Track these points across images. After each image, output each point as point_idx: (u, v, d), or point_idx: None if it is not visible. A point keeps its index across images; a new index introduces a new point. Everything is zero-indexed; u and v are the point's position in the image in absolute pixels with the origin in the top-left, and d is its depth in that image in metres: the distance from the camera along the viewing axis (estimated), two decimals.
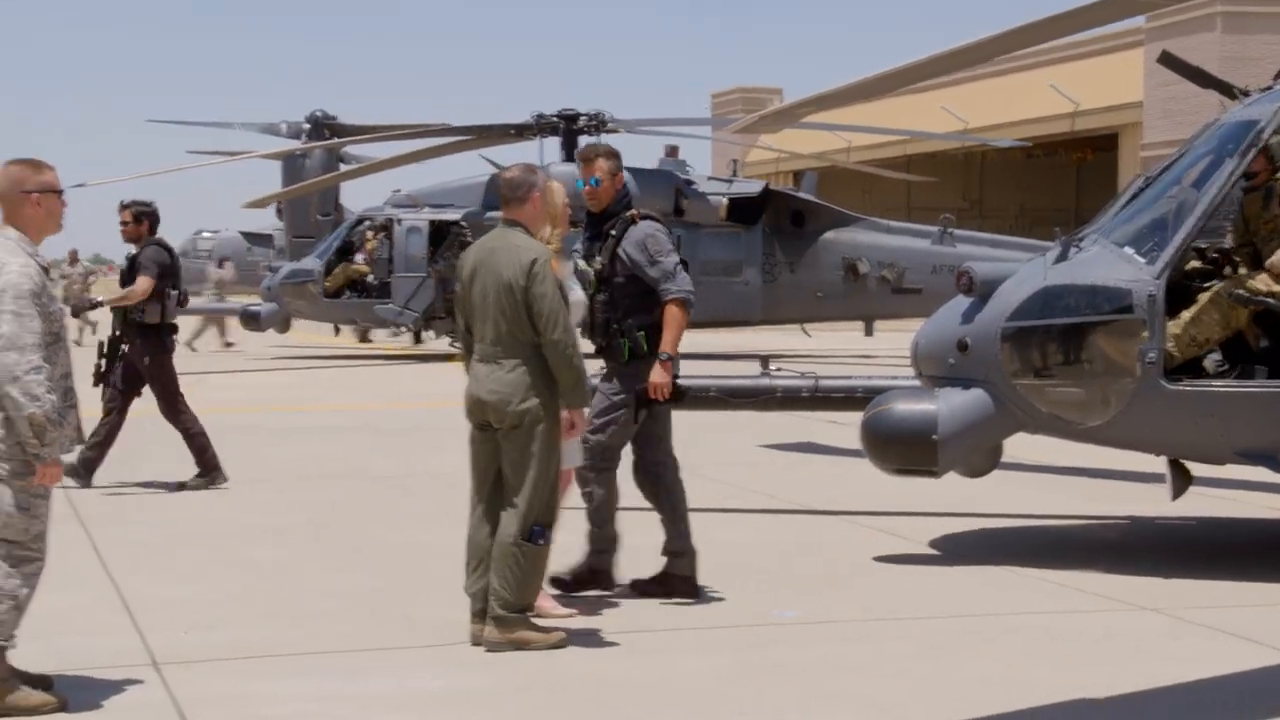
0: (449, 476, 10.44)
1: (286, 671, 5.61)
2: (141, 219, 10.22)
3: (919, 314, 20.41)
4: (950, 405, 7.57)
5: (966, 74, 36.53)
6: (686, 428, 12.73)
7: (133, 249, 10.34)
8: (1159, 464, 7.90)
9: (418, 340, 27.31)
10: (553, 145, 25.57)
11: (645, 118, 26.24)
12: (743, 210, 25.19)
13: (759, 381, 9.39)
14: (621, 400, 6.66)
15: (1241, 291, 7.52)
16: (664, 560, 6.82)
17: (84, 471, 9.98)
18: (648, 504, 6.88)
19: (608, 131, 25.63)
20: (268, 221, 40.24)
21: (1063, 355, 7.45)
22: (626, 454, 6.85)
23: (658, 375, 6.58)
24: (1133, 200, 7.81)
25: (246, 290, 35.56)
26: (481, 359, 6.02)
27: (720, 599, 6.79)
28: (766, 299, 25.34)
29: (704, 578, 6.88)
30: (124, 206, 10.31)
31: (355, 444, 12.95)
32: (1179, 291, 7.57)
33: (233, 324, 28.19)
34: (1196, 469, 7.86)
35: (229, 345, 28.32)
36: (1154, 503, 9.03)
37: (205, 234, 50.10)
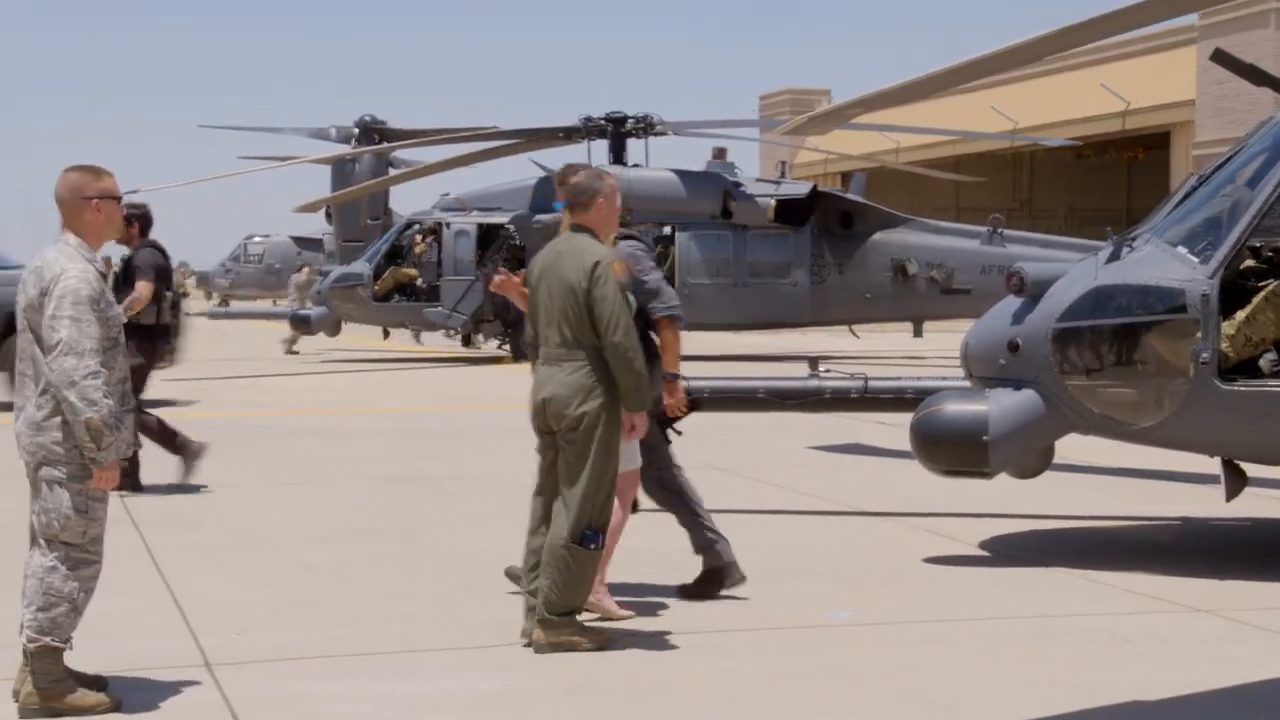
0: (501, 479, 10.49)
1: (337, 672, 5.64)
2: (133, 221, 10.10)
3: (968, 315, 20.31)
4: (1001, 406, 7.53)
5: (1016, 73, 36.27)
6: (734, 429, 12.80)
7: (125, 251, 10.25)
8: (1213, 465, 7.82)
9: (466, 343, 27.41)
10: (600, 148, 25.64)
11: (693, 120, 26.26)
12: (791, 211, 25.13)
13: (808, 383, 9.36)
14: None
15: None
16: (699, 559, 6.83)
17: (127, 479, 10.00)
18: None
19: (655, 134, 25.65)
20: (317, 226, 40.50)
21: (1115, 355, 7.38)
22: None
23: (671, 396, 6.58)
24: (1186, 199, 7.74)
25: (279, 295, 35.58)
26: (545, 361, 6.02)
27: (772, 601, 6.77)
28: (815, 300, 25.27)
29: (755, 580, 6.87)
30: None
31: (406, 447, 13.01)
32: (1233, 291, 7.49)
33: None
34: (1251, 470, 7.77)
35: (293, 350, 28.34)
36: (1207, 504, 8.95)
37: (256, 238, 50.61)
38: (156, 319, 10.17)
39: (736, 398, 9.49)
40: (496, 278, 6.59)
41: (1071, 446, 8.47)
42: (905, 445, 8.09)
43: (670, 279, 24.94)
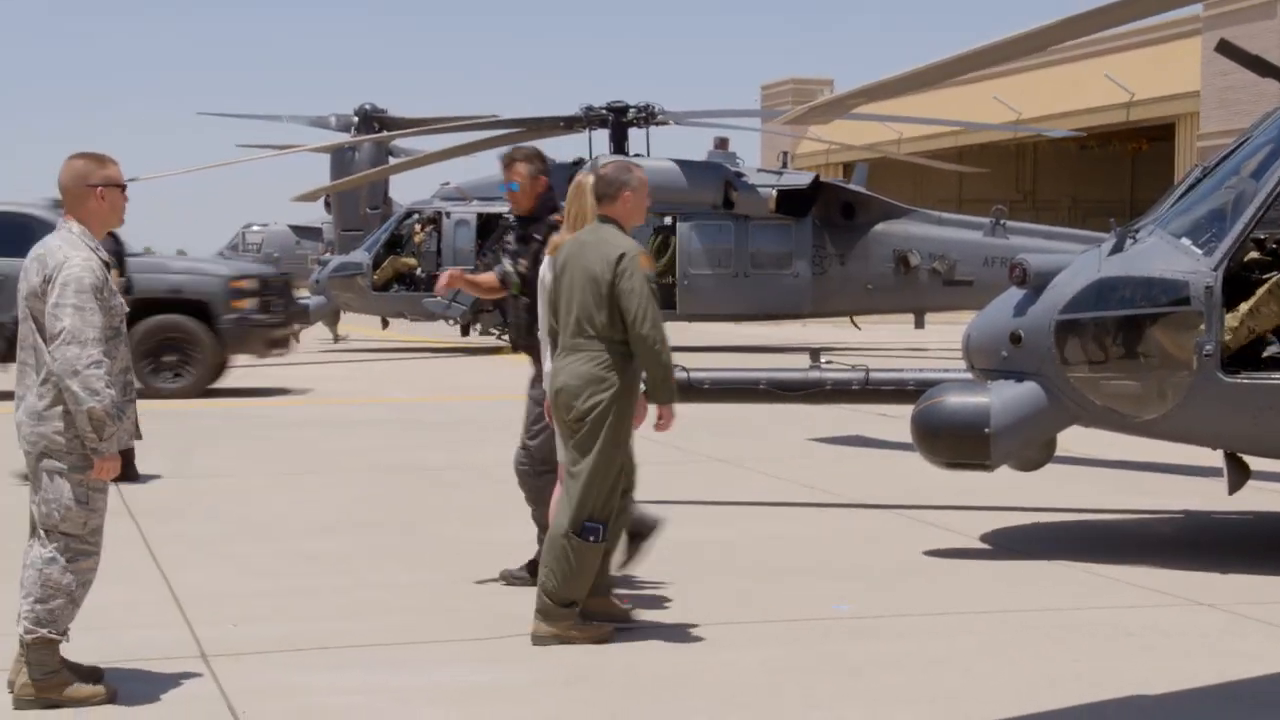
0: (499, 470, 10.45)
1: (334, 664, 5.62)
2: None
3: (971, 306, 20.27)
4: (1003, 398, 7.51)
5: (1019, 64, 36.19)
6: (735, 421, 12.79)
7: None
8: (1215, 458, 7.81)
9: (465, 333, 27.38)
10: (602, 137, 25.55)
11: (695, 109, 26.16)
12: (793, 202, 25.06)
13: (809, 374, 9.33)
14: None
15: None
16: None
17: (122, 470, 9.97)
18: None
19: (657, 123, 25.59)
20: (316, 215, 40.42)
21: (1118, 348, 7.35)
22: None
23: None
24: (1190, 191, 7.71)
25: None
26: (561, 350, 6.01)
27: (773, 594, 6.74)
28: (816, 291, 25.22)
29: (755, 573, 6.86)
30: None
31: (405, 437, 12.98)
32: (1237, 283, 7.45)
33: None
34: (1254, 463, 7.73)
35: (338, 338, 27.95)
36: (1210, 497, 8.94)
37: (254, 227, 50.33)
38: None
39: (737, 389, 9.46)
40: (441, 279, 6.64)
41: (1074, 439, 8.45)
42: (906, 437, 8.06)
43: (671, 269, 24.93)
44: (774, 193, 24.93)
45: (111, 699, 5.11)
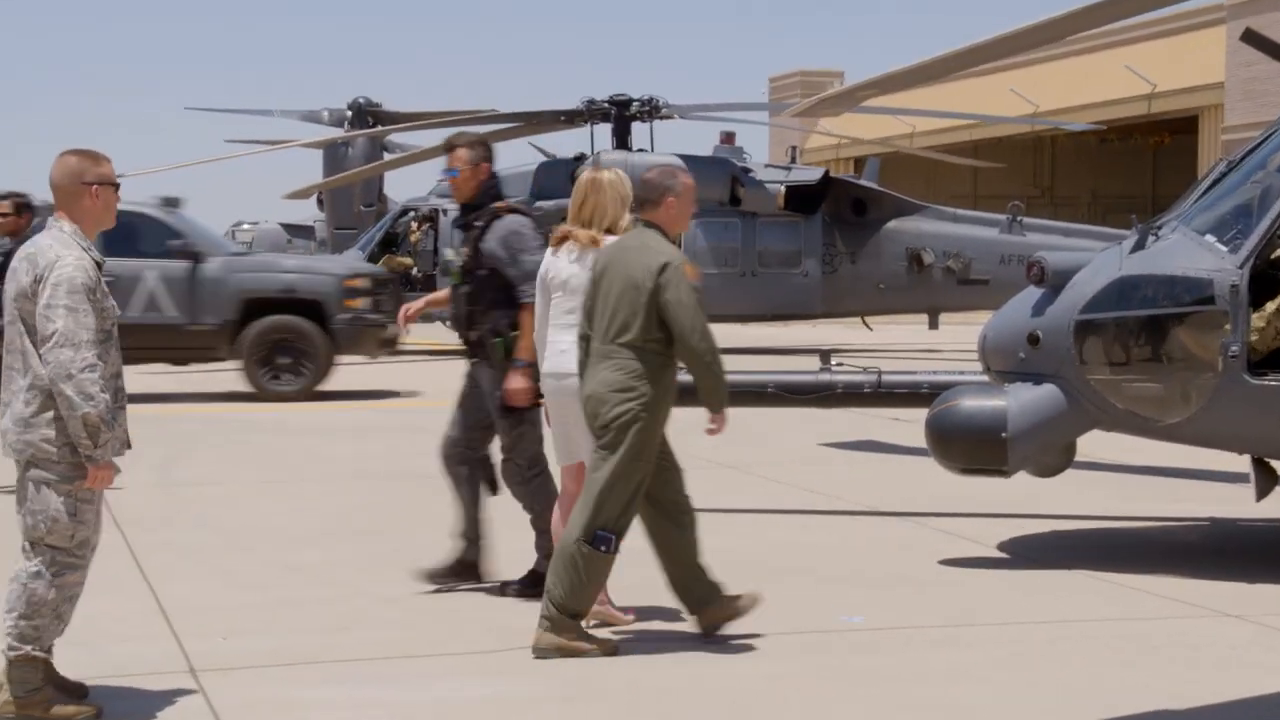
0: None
1: (326, 679, 5.50)
2: (23, 211, 9.90)
3: (987, 306, 20.08)
4: (1020, 401, 7.40)
5: (1036, 55, 35.93)
6: (743, 425, 12.60)
7: (4, 242, 9.78)
8: (1242, 463, 7.67)
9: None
10: (604, 132, 25.29)
11: (700, 103, 25.99)
12: (801, 198, 24.89)
13: (819, 377, 9.23)
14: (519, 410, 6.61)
15: None
16: (458, 547, 6.84)
17: None
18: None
19: (661, 117, 25.37)
20: (309, 213, 40.30)
21: (1140, 349, 7.26)
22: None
23: (516, 382, 6.48)
24: (1214, 186, 7.60)
25: None
26: (593, 356, 5.91)
27: (782, 604, 6.59)
28: (826, 291, 25.02)
29: (764, 582, 6.70)
30: (2, 198, 9.97)
31: (399, 443, 12.80)
32: (1264, 281, 7.33)
33: None
34: None
35: None
36: (1236, 504, 8.78)
37: (245, 225, 49.97)
38: None
39: (745, 392, 9.31)
40: (399, 316, 6.82)
41: (1094, 443, 8.31)
42: (920, 442, 7.95)
43: None
44: (782, 189, 24.75)
45: (97, 716, 5.00)
